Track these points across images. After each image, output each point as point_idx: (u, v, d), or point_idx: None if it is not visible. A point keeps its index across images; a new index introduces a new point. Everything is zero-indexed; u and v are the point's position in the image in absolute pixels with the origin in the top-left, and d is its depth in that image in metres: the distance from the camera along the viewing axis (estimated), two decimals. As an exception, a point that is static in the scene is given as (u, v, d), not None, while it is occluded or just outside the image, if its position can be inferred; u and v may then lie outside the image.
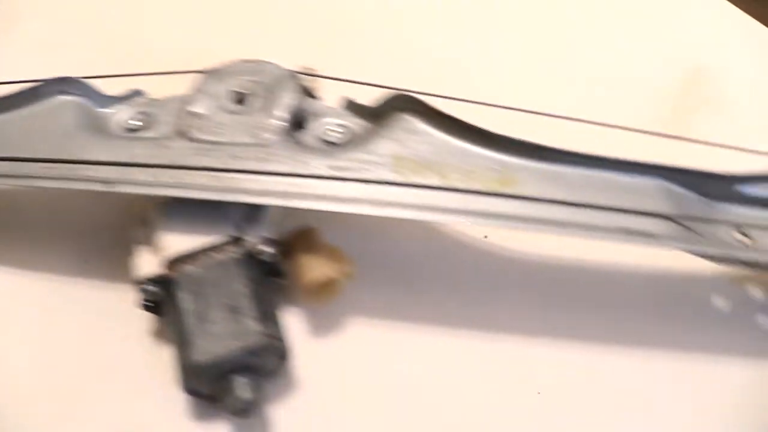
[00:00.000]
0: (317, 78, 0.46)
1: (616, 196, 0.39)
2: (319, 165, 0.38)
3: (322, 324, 0.40)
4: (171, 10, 0.60)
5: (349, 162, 0.39)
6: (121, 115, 0.44)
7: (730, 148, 0.41)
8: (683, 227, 0.38)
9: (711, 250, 0.37)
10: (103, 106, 0.44)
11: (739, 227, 0.39)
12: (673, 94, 0.57)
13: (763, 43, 0.60)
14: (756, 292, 0.44)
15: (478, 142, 0.39)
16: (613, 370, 0.41)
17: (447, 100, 0.41)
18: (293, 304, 0.40)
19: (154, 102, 0.44)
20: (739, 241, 0.39)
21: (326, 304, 0.39)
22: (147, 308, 0.38)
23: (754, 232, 0.39)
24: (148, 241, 0.39)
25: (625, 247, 0.38)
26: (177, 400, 0.37)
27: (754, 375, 0.41)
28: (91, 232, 0.45)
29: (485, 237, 0.44)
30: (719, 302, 0.43)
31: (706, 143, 0.41)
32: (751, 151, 0.41)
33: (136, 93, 0.45)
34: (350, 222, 0.40)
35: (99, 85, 0.44)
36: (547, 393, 0.40)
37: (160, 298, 0.37)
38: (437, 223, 0.43)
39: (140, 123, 0.43)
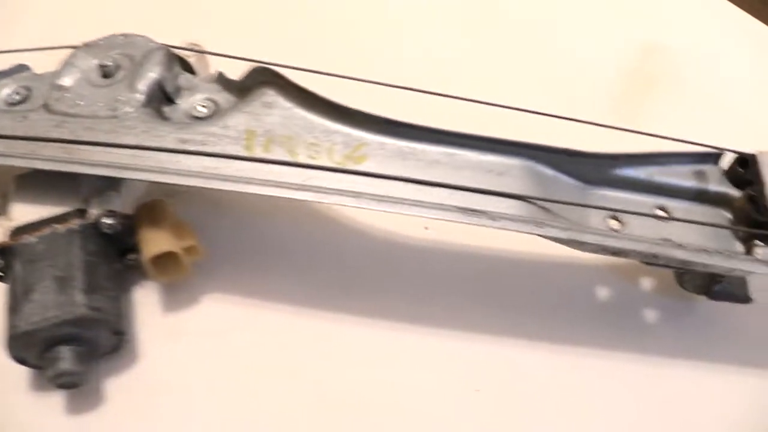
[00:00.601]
0: (206, 56, 0.46)
1: (474, 175, 0.37)
2: (169, 138, 0.38)
3: (175, 301, 0.39)
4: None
5: (201, 136, 0.38)
6: (4, 90, 0.44)
7: (668, 139, 0.38)
8: (548, 212, 0.36)
9: (577, 237, 0.34)
10: (-15, 82, 0.45)
11: (612, 212, 0.37)
12: (625, 72, 0.54)
13: (719, 21, 0.58)
14: (645, 284, 0.41)
15: (333, 117, 0.38)
16: (505, 362, 0.39)
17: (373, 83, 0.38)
18: (146, 283, 0.39)
19: (36, 76, 0.44)
20: (612, 228, 0.37)
21: (176, 281, 0.38)
22: (-2, 277, 0.38)
23: (627, 217, 0.37)
24: (3, 211, 0.39)
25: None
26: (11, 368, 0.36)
27: (636, 370, 0.38)
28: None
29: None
30: (603, 295, 0.41)
31: (641, 133, 0.38)
32: (693, 143, 0.38)
33: (21, 68, 0.44)
34: (209, 199, 0.40)
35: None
36: (409, 380, 0.38)
37: (3, 269, 0.37)
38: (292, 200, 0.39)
39: (19, 97, 0.43)
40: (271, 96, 0.39)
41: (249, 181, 0.36)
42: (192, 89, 0.42)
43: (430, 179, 0.36)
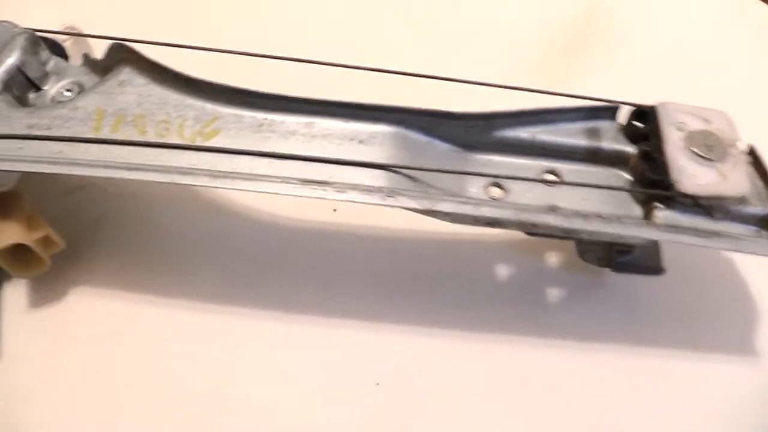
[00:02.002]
0: (86, 39, 0.44)
1: (333, 145, 0.33)
2: (17, 125, 0.35)
3: (38, 297, 0.37)
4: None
5: (50, 119, 0.35)
6: None
7: (596, 100, 0.34)
8: (416, 182, 0.32)
9: (434, 206, 0.30)
10: None
11: (493, 179, 0.33)
12: (564, 31, 0.51)
13: None
14: (550, 259, 0.37)
15: (186, 91, 0.35)
16: (405, 351, 0.35)
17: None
18: (13, 279, 0.37)
19: None
20: (492, 197, 0.33)
21: (37, 274, 0.36)
22: None
23: (510, 184, 0.33)
24: None
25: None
26: None
27: (541, 355, 0.35)
28: None
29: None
30: (504, 273, 0.37)
31: (569, 95, 0.34)
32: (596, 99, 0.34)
33: None
34: (73, 185, 0.38)
35: None
36: (307, 372, 0.35)
37: None
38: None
39: None
40: (126, 73, 0.36)
41: (89, 163, 0.33)
42: (60, 74, 0.40)
43: (287, 152, 0.33)
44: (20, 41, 0.39)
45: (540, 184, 0.33)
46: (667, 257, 0.35)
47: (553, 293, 0.36)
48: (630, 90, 0.44)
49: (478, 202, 0.30)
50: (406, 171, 0.32)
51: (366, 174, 0.32)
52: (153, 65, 0.36)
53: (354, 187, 0.30)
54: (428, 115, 0.33)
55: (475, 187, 0.33)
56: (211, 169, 0.32)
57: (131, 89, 0.36)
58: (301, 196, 0.30)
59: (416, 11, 0.52)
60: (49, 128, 0.35)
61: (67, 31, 0.42)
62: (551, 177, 0.34)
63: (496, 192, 0.33)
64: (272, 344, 0.36)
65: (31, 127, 0.36)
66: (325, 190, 0.30)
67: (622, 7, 0.52)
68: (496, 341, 0.35)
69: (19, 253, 0.36)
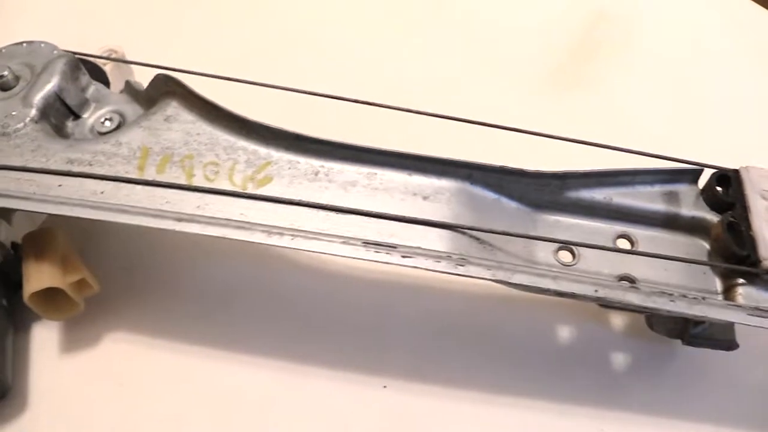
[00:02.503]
0: (125, 63, 0.42)
1: (396, 200, 0.31)
2: (56, 159, 0.33)
3: (71, 341, 0.35)
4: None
5: (92, 155, 0.33)
6: None
7: (593, 145, 0.32)
8: (482, 244, 0.30)
9: (506, 277, 0.28)
10: None
11: (561, 242, 0.31)
12: (572, 39, 0.50)
13: None
14: (614, 324, 0.35)
15: (238, 131, 0.33)
16: (441, 413, 0.33)
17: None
18: (42, 319, 0.35)
19: (-57, 90, 0.41)
20: (562, 263, 0.31)
21: (69, 317, 0.34)
22: None
23: (582, 248, 0.31)
24: None
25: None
26: None
27: (601, 427, 0.32)
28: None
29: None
30: (565, 338, 0.35)
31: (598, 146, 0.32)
32: (664, 158, 0.32)
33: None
34: (114, 226, 0.35)
35: None
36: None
37: None
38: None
39: (-75, 113, 0.40)
40: (173, 108, 0.34)
41: (130, 209, 0.31)
42: (101, 101, 0.38)
43: (345, 204, 0.31)
44: (60, 65, 0.37)
45: (611, 251, 0.31)
46: (739, 330, 0.33)
47: (619, 361, 0.34)
48: (643, 98, 0.45)
49: (556, 275, 0.27)
50: (475, 233, 0.30)
51: (431, 234, 0.30)
52: (202, 102, 0.34)
53: (422, 252, 0.28)
54: (498, 171, 0.31)
55: (545, 252, 0.31)
56: (264, 222, 0.30)
57: (178, 126, 0.34)
58: (366, 260, 0.28)
59: (430, 25, 0.51)
60: (90, 164, 0.33)
61: (108, 56, 0.40)
62: (625, 242, 0.32)
63: (566, 257, 0.31)
64: (281, 396, 0.33)
65: (71, 162, 0.34)
66: (390, 254, 0.27)
67: (629, 14, 0.51)
68: (551, 411, 0.33)
69: (52, 295, 0.34)
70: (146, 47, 0.41)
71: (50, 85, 0.36)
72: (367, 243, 0.28)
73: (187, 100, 0.34)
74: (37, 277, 0.32)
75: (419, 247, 0.28)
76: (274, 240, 0.28)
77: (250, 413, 0.33)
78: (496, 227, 0.31)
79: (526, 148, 0.33)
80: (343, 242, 0.28)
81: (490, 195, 0.31)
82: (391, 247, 0.28)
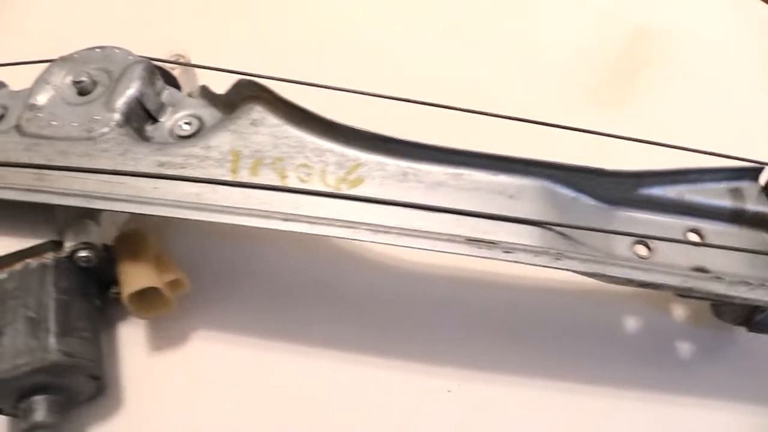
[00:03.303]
0: (185, 66, 0.42)
1: (483, 199, 0.33)
2: (146, 162, 0.34)
3: (160, 340, 0.36)
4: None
5: (181, 157, 0.34)
6: (-22, 109, 0.42)
7: (638, 141, 0.34)
8: (568, 239, 0.32)
9: (601, 270, 0.30)
10: (-40, 100, 0.42)
11: (638, 236, 0.33)
12: (614, 55, 0.51)
13: (710, 1, 0.54)
14: (677, 313, 0.38)
15: (325, 134, 0.34)
16: (515, 404, 0.35)
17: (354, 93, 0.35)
18: (131, 319, 0.36)
19: (13, 93, 0.41)
20: (639, 255, 0.33)
21: (161, 316, 0.35)
22: (-31, 315, 0.35)
23: (655, 242, 0.33)
24: (-22, 242, 0.37)
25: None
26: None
27: (675, 412, 0.34)
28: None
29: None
30: (632, 327, 0.37)
31: (607, 135, 0.34)
32: (666, 146, 0.34)
33: (-3, 85, 0.43)
34: (199, 225, 0.36)
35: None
36: (413, 423, 0.34)
37: (-28, 306, 0.34)
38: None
39: (-5, 116, 0.41)
40: (258, 112, 0.35)
41: (234, 210, 0.32)
42: (176, 105, 0.39)
43: (434, 203, 0.32)
44: (139, 71, 0.38)
45: (685, 243, 0.33)
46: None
47: (684, 348, 0.36)
48: (685, 114, 0.46)
49: (646, 267, 0.30)
50: (559, 228, 0.32)
51: (521, 230, 0.32)
52: (288, 106, 0.35)
53: (520, 248, 0.29)
54: (578, 171, 0.33)
55: (622, 245, 0.33)
56: (359, 220, 0.32)
57: (265, 129, 0.35)
58: (469, 256, 0.29)
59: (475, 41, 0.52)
60: (182, 167, 0.34)
61: (176, 60, 0.42)
62: (694, 235, 0.34)
63: (642, 250, 0.33)
64: (375, 391, 0.35)
65: (162, 165, 0.35)
66: (491, 249, 0.29)
67: (669, 30, 0.52)
68: (619, 396, 0.35)
69: (145, 294, 0.35)
70: (205, 51, 0.42)
71: (131, 90, 0.37)
72: (470, 239, 0.30)
73: (271, 104, 0.35)
74: (135, 277, 0.33)
75: (517, 243, 0.30)
76: (380, 238, 0.30)
77: (342, 412, 0.34)
78: (576, 223, 0.33)
79: (582, 152, 0.35)
80: (448, 239, 0.30)
81: (569, 193, 0.33)
82: (492, 243, 0.29)
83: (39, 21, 0.53)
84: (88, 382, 0.33)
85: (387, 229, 0.30)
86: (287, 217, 0.30)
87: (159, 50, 0.41)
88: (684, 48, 0.51)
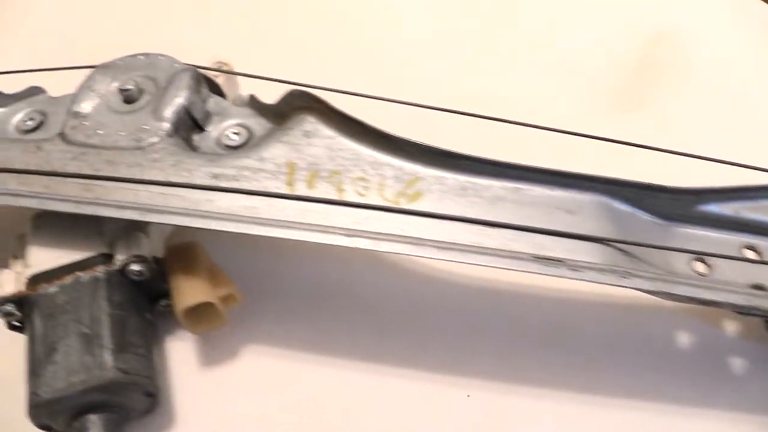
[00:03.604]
0: (230, 74, 0.42)
1: (542, 214, 0.33)
2: (200, 173, 0.34)
3: (210, 354, 0.36)
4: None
5: (235, 169, 0.34)
6: (17, 115, 0.40)
7: (662, 150, 0.34)
8: (628, 255, 0.32)
9: (668, 288, 0.30)
10: (-3, 105, 0.41)
11: (698, 253, 0.33)
12: (632, 62, 0.51)
13: (728, 7, 0.54)
14: (729, 328, 0.38)
15: (382, 147, 0.34)
16: (560, 420, 0.34)
17: (373, 99, 0.36)
18: (180, 332, 0.36)
19: (53, 100, 0.40)
20: (698, 273, 0.33)
21: (211, 331, 0.34)
22: (14, 328, 0.34)
23: (713, 259, 0.33)
24: (22, 255, 0.36)
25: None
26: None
27: (728, 428, 0.34)
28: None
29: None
30: (684, 341, 0.37)
31: (630, 144, 0.34)
32: (692, 156, 0.34)
33: (35, 90, 0.41)
34: (247, 237, 0.36)
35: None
36: None
37: (21, 320, 0.33)
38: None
39: (33, 123, 0.39)
40: (311, 123, 0.35)
41: (292, 225, 0.32)
42: (222, 114, 0.38)
43: (494, 218, 0.32)
44: (186, 79, 0.37)
45: (742, 261, 0.33)
46: None
47: (736, 364, 0.36)
48: (705, 121, 0.46)
49: (713, 286, 0.29)
50: (620, 245, 0.32)
51: (581, 247, 0.31)
52: (343, 117, 0.34)
53: (586, 265, 0.29)
54: (637, 186, 0.33)
55: (680, 262, 0.33)
56: (421, 236, 0.31)
57: (318, 141, 0.35)
58: (535, 273, 0.29)
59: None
60: (236, 179, 0.34)
61: (219, 68, 0.41)
62: (751, 253, 0.34)
63: (701, 267, 0.33)
64: (429, 410, 0.34)
65: (216, 177, 0.34)
66: (558, 267, 0.29)
67: (688, 36, 0.51)
68: (672, 413, 0.34)
69: (196, 308, 0.34)
70: (244, 59, 0.42)
71: (180, 98, 0.36)
72: (537, 257, 0.29)
73: (325, 115, 0.35)
74: (190, 291, 0.33)
75: (582, 260, 0.30)
76: (447, 255, 0.29)
77: (401, 426, 0.34)
78: (634, 239, 0.33)
79: (606, 157, 0.35)
80: (514, 257, 0.29)
81: (626, 208, 0.33)
82: (558, 260, 0.29)
83: (73, 26, 0.53)
84: (142, 399, 0.32)
85: (452, 246, 0.30)
86: (350, 233, 0.30)
87: (199, 57, 0.41)
88: (702, 54, 0.51)
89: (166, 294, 0.35)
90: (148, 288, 0.34)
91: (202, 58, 0.41)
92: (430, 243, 0.30)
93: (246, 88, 0.42)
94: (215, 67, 0.41)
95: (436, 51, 0.51)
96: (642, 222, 0.34)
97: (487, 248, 0.30)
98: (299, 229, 0.31)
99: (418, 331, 0.37)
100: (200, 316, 0.34)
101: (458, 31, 0.53)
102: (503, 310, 0.38)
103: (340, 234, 0.30)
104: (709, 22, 0.53)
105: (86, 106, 0.37)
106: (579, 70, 0.50)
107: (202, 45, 0.43)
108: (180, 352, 0.35)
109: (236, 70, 0.42)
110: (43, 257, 0.34)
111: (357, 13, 0.53)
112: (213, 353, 0.36)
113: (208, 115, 0.38)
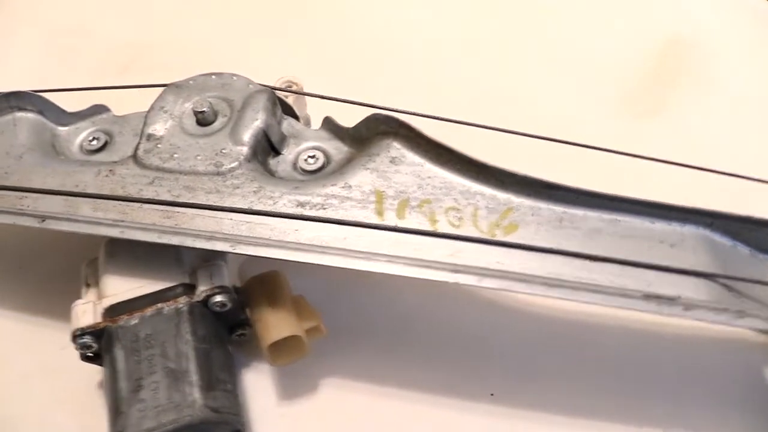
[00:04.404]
0: (300, 95, 0.41)
1: (642, 247, 0.31)
2: (283, 201, 0.33)
3: (290, 387, 0.34)
4: (148, 13, 0.56)
5: (323, 198, 0.33)
6: (81, 135, 0.39)
7: (680, 165, 0.33)
8: (731, 291, 0.31)
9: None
10: (61, 124, 0.39)
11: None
12: (649, 67, 0.51)
13: (747, 11, 0.53)
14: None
15: (473, 176, 0.33)
16: None
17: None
18: (256, 363, 0.35)
19: (118, 119, 0.39)
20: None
21: (291, 363, 0.33)
22: (89, 360, 0.33)
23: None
24: (96, 283, 0.34)
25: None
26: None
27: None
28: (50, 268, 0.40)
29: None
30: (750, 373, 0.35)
31: (656, 160, 0.33)
32: (702, 169, 0.33)
33: (99, 109, 0.40)
34: (327, 268, 0.34)
35: (57, 100, 0.39)
36: None
37: (98, 351, 0.32)
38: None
39: (99, 143, 0.38)
40: (396, 149, 0.34)
41: (387, 258, 0.30)
42: (297, 137, 0.37)
43: (593, 252, 0.31)
44: (263, 101, 0.36)
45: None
46: None
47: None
48: (721, 127, 0.45)
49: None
50: (725, 281, 0.31)
51: (687, 282, 0.30)
52: (432, 144, 0.33)
53: (701, 304, 0.28)
54: (739, 220, 0.31)
55: (783, 297, 0.32)
56: (521, 270, 0.30)
57: (406, 168, 0.33)
58: (647, 312, 0.28)
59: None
60: (323, 208, 0.33)
61: (288, 87, 0.40)
62: None
63: (803, 303, 0.32)
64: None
65: (301, 204, 0.33)
66: (672, 307, 0.28)
67: (703, 40, 0.51)
68: None
69: (280, 341, 0.33)
70: (316, 80, 0.40)
71: (258, 121, 0.35)
72: (647, 295, 0.28)
73: (412, 141, 0.33)
74: (277, 324, 0.32)
75: (692, 297, 0.29)
76: (555, 293, 0.28)
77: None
78: (734, 273, 0.31)
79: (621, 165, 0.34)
80: (623, 295, 0.28)
81: (727, 242, 0.32)
82: (671, 299, 0.28)
83: (133, 44, 0.52)
84: (227, 436, 0.31)
85: (561, 283, 0.29)
86: (454, 268, 0.29)
87: (265, 76, 0.40)
88: (719, 59, 0.50)
89: (241, 324, 0.34)
90: (226, 319, 0.33)
91: (268, 77, 0.40)
92: (537, 280, 0.29)
93: (313, 109, 0.41)
94: (285, 86, 0.41)
95: (456, 57, 0.51)
96: (742, 256, 0.32)
97: (596, 285, 0.29)
98: (399, 263, 0.30)
99: (505, 368, 0.36)
100: (282, 348, 0.33)
101: (478, 40, 0.53)
102: (591, 346, 0.36)
103: (444, 270, 0.29)
104: (725, 27, 0.53)
105: (159, 128, 0.36)
106: (596, 75, 0.50)
107: (264, 64, 0.42)
108: (256, 385, 0.34)
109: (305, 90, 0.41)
110: (120, 286, 0.33)
111: (414, 40, 0.53)
112: (291, 387, 0.34)
113: (283, 138, 0.37)
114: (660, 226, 0.32)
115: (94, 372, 0.33)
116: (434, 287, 0.36)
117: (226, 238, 0.31)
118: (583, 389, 0.35)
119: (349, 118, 0.36)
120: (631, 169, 0.36)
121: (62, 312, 0.34)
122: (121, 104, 0.40)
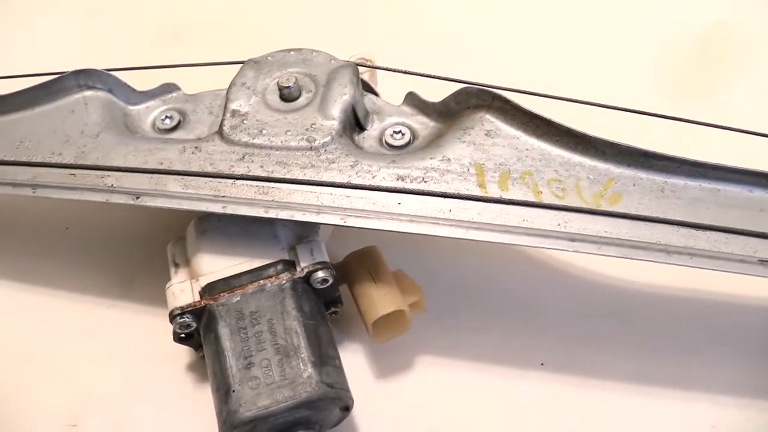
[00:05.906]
0: (375, 70, 0.40)
1: (745, 216, 0.32)
2: (383, 175, 0.32)
3: (390, 363, 0.34)
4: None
5: (422, 171, 0.32)
6: (153, 113, 0.38)
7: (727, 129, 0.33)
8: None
9: None
10: (131, 103, 0.38)
11: None
12: (691, 53, 0.51)
13: None
14: None
15: (572, 147, 0.32)
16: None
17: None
18: (354, 340, 0.34)
19: (189, 97, 0.38)
20: None
21: (392, 339, 0.33)
22: (182, 340, 0.32)
23: None
24: (186, 261, 0.34)
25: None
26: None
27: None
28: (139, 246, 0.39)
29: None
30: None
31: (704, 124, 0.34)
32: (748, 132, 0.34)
33: (169, 87, 0.38)
34: (418, 239, 0.34)
35: (127, 78, 0.38)
36: None
37: (196, 331, 0.31)
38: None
39: (172, 122, 0.37)
40: (490, 122, 0.34)
41: (491, 228, 0.30)
42: (379, 113, 0.37)
43: (697, 220, 0.31)
44: (348, 75, 0.36)
45: None
46: None
47: None
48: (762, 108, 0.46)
49: None
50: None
51: (788, 250, 0.31)
52: (529, 116, 0.33)
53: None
54: None
55: None
56: (628, 238, 0.30)
57: (502, 141, 0.33)
58: (763, 277, 0.28)
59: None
60: (424, 181, 0.32)
61: (370, 63, 0.39)
62: None
63: None
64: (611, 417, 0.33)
65: (401, 178, 0.32)
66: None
67: (748, 25, 0.52)
68: None
69: (382, 317, 0.32)
70: (387, 54, 0.40)
71: (346, 95, 0.35)
72: (763, 261, 0.29)
73: (507, 113, 0.33)
74: (382, 300, 0.31)
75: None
76: (676, 260, 0.28)
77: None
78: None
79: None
80: (741, 260, 0.29)
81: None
82: (786, 264, 0.28)
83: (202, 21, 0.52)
84: (336, 413, 0.30)
85: (678, 249, 0.29)
86: (574, 237, 0.29)
87: (340, 52, 0.39)
88: (761, 42, 0.51)
89: (335, 301, 0.34)
90: (324, 296, 0.33)
91: (339, 53, 0.39)
92: (654, 247, 0.29)
93: (383, 84, 0.41)
94: (359, 62, 0.40)
95: (513, 37, 0.51)
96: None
97: (711, 251, 0.29)
98: (514, 233, 0.29)
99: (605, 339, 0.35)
100: (382, 324, 0.32)
101: (532, 24, 0.53)
102: (681, 316, 0.36)
103: (560, 238, 0.29)
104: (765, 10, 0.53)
105: (243, 104, 0.35)
106: (643, 59, 0.50)
107: (332, 40, 0.42)
108: (352, 363, 0.33)
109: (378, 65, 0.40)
110: (216, 264, 0.32)
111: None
112: (385, 364, 0.34)
113: (366, 114, 0.36)
114: (759, 194, 0.32)
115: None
116: (530, 259, 0.37)
117: (335, 212, 0.30)
118: (631, 356, 0.35)
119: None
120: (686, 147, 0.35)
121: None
122: (153, 80, 0.39)
